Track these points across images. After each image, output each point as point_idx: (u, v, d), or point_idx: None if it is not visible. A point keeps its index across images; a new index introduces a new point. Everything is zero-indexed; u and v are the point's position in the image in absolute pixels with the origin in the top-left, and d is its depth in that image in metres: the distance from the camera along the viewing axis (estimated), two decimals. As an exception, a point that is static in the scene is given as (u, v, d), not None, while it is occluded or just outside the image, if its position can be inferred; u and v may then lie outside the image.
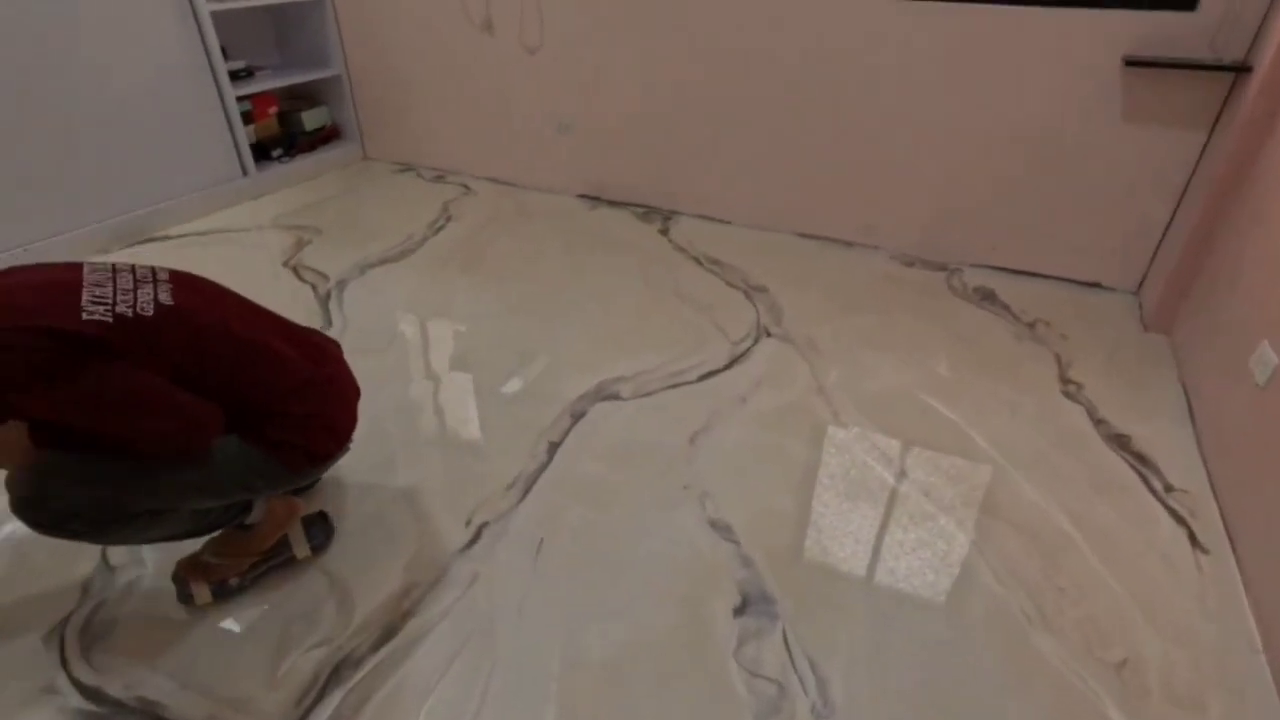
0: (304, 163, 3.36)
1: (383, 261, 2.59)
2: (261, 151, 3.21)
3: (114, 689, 1.16)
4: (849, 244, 2.74)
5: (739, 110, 2.71)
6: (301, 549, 1.37)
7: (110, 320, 1.02)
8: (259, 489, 1.23)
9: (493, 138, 3.28)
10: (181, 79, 2.79)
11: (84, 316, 1.00)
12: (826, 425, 1.77)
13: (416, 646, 1.23)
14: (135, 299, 1.07)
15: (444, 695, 1.16)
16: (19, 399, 0.97)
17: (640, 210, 3.05)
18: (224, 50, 2.92)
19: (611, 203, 3.12)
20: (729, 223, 2.92)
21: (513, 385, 1.93)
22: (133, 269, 1.14)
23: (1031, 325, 2.21)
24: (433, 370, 2.00)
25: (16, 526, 1.45)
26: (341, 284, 2.43)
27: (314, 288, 2.40)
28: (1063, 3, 2.11)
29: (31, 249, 2.44)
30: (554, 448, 1.70)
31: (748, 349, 2.09)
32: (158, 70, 2.71)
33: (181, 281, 1.17)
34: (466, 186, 3.30)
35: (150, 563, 1.38)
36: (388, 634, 1.26)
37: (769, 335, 2.16)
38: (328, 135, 3.54)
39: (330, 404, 1.29)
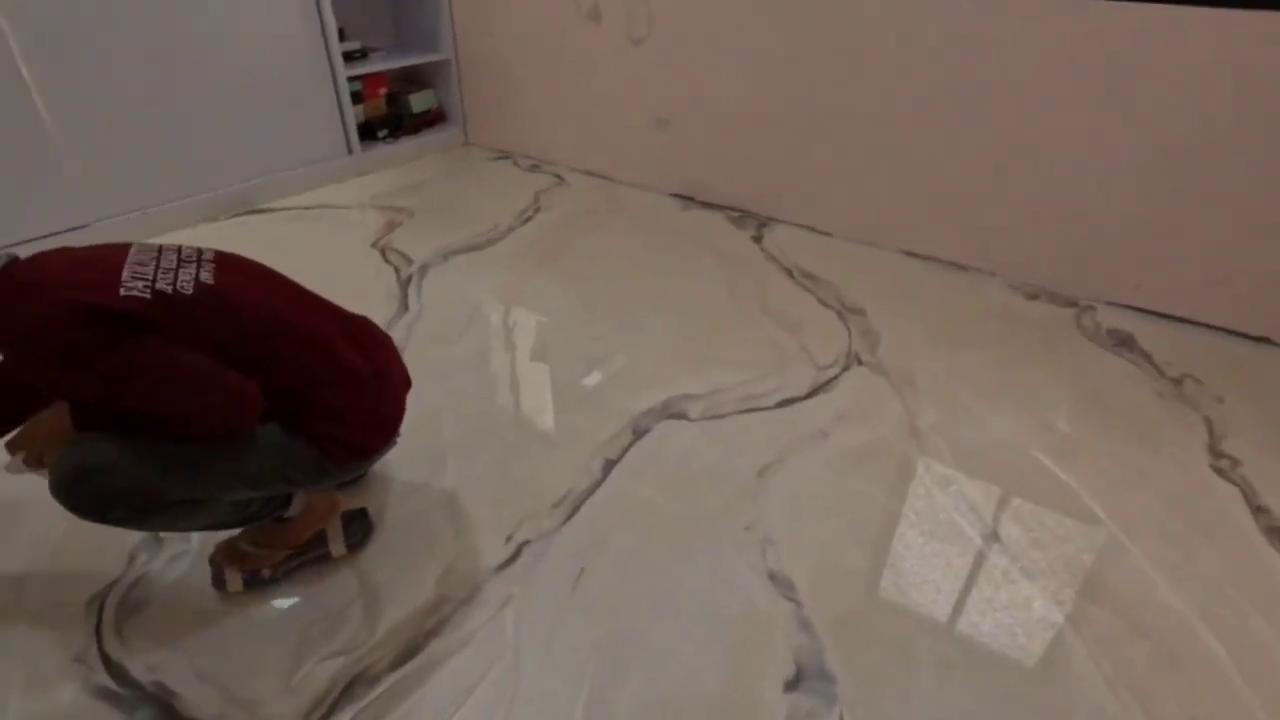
0: (407, 145, 3.40)
1: (468, 249, 2.56)
2: (367, 131, 3.27)
3: (136, 669, 1.15)
4: (962, 267, 2.47)
5: (850, 114, 2.49)
6: (337, 546, 1.33)
7: (149, 297, 0.99)
8: (298, 482, 1.18)
9: (590, 129, 3.20)
10: (299, 56, 2.87)
11: (122, 293, 0.98)
12: (916, 475, 1.56)
13: (435, 670, 1.15)
14: (176, 277, 1.04)
15: (456, 731, 1.07)
16: (59, 375, 0.95)
17: (735, 214, 2.88)
18: (341, 31, 2.99)
19: (705, 204, 2.97)
20: (829, 234, 2.71)
21: (576, 392, 1.83)
22: (178, 249, 1.11)
23: (1178, 381, 1.89)
24: (499, 368, 1.93)
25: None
26: (424, 269, 2.41)
27: (397, 271, 2.40)
28: (1236, 2, 1.77)
29: (148, 213, 2.58)
30: (610, 465, 1.58)
31: (834, 377, 1.89)
32: (277, 46, 2.79)
33: (226, 263, 1.14)
34: (560, 177, 3.24)
35: (195, 539, 1.38)
36: (409, 652, 1.18)
37: (860, 364, 1.95)
38: (432, 119, 3.58)
39: (378, 397, 1.23)
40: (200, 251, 1.13)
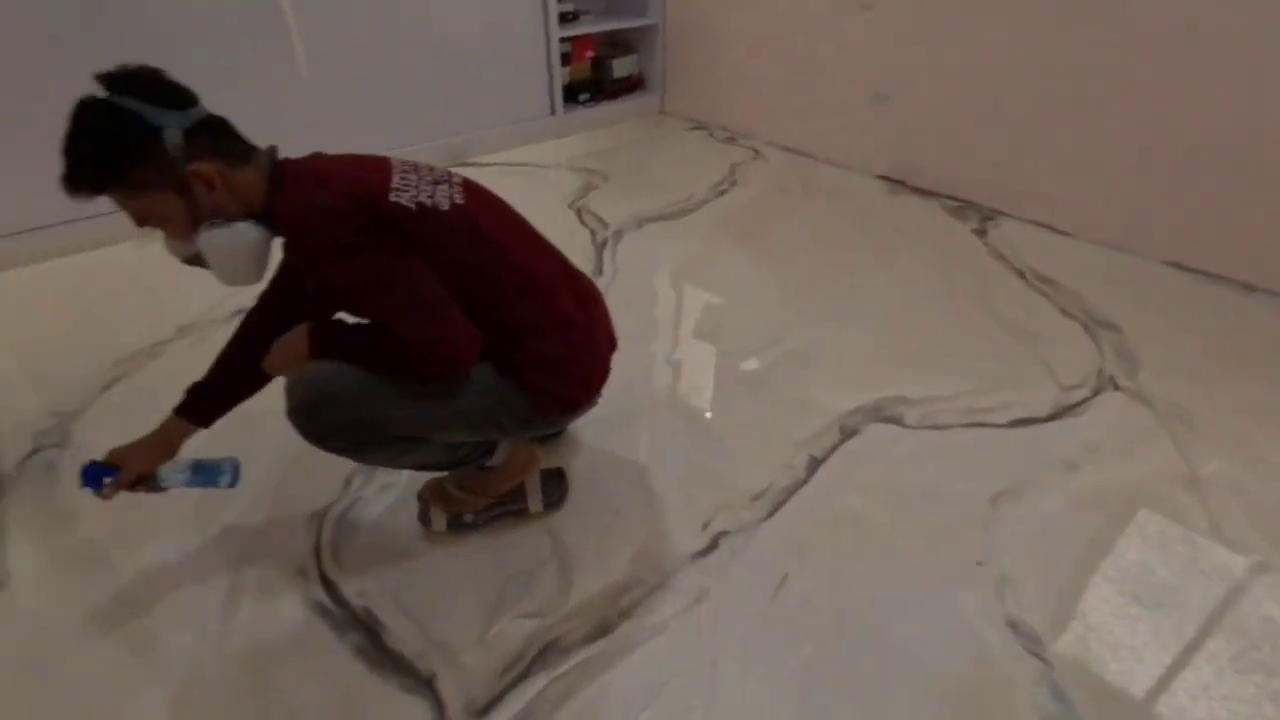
0: (606, 109, 3.39)
1: (661, 217, 2.49)
2: (569, 93, 3.29)
3: (349, 591, 1.19)
4: (1248, 287, 2.03)
5: (1117, 94, 2.11)
6: (535, 503, 1.30)
7: (413, 208, 0.99)
8: (507, 428, 1.15)
9: (795, 102, 3.01)
10: (517, 16, 2.93)
11: (391, 198, 0.98)
12: (1199, 540, 1.28)
13: (627, 655, 1.08)
14: (434, 193, 1.03)
15: (648, 727, 0.99)
16: (322, 266, 0.97)
17: (953, 204, 2.58)
18: (557, -9, 3.01)
19: (918, 190, 2.69)
20: (1070, 235, 2.34)
21: (775, 379, 1.70)
22: (432, 168, 1.11)
23: None
24: (691, 343, 1.84)
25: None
26: (619, 234, 2.37)
27: (593, 233, 2.38)
28: None
29: (373, 159, 2.75)
30: (815, 464, 1.44)
31: (1083, 400, 1.61)
32: (495, 5, 2.86)
33: (472, 189, 1.12)
34: (757, 151, 3.09)
35: (404, 475, 1.41)
36: (601, 629, 1.12)
37: (1116, 388, 1.65)
38: (632, 85, 3.54)
39: (588, 352, 1.17)
40: (450, 174, 1.12)
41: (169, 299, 1.99)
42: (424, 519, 1.28)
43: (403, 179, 1.03)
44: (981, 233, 2.38)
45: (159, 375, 1.70)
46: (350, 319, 1.08)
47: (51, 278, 2.13)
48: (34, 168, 2.09)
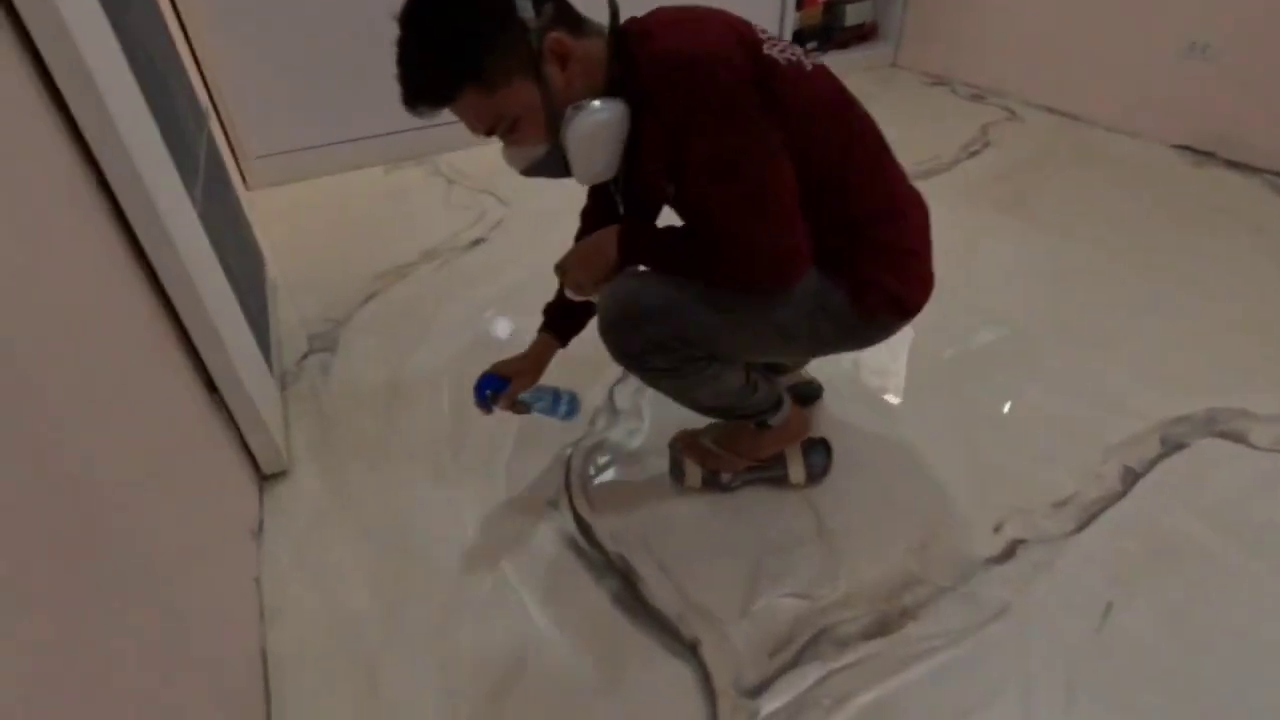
0: (833, 58, 3.10)
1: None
2: (796, 39, 3.06)
3: (600, 533, 1.13)
4: None
5: None
6: (797, 472, 1.17)
7: (783, 63, 0.85)
8: (826, 340, 0.99)
9: (1064, 56, 2.57)
10: (758, -48, 2.73)
11: (765, 50, 0.85)
12: None
13: (917, 663, 0.94)
14: (794, 52, 0.89)
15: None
16: (694, 129, 0.82)
17: (1282, 181, 2.09)
18: (801, -73, 2.77)
19: (1232, 163, 2.21)
20: None
21: (1065, 368, 1.43)
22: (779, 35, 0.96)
23: None
24: (959, 315, 1.60)
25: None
26: (857, 191, 2.15)
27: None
28: None
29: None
30: (1132, 477, 1.19)
31: None
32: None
33: (817, 65, 0.94)
34: (1011, 111, 2.69)
35: (649, 420, 1.34)
36: (880, 626, 0.98)
37: None
38: (864, 34, 3.24)
39: (925, 252, 0.99)
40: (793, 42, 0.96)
41: (412, 224, 2.07)
42: (676, 473, 1.20)
43: (763, 33, 0.88)
44: (1328, 220, 1.90)
45: (409, 294, 1.75)
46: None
47: (313, 195, 2.28)
48: (300, 92, 2.25)
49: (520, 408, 1.13)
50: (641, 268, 0.96)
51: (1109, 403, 1.34)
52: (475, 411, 1.11)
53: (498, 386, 1.10)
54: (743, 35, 0.85)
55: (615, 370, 1.46)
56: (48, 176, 0.76)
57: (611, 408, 1.38)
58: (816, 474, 1.18)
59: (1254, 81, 2.13)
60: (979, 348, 1.51)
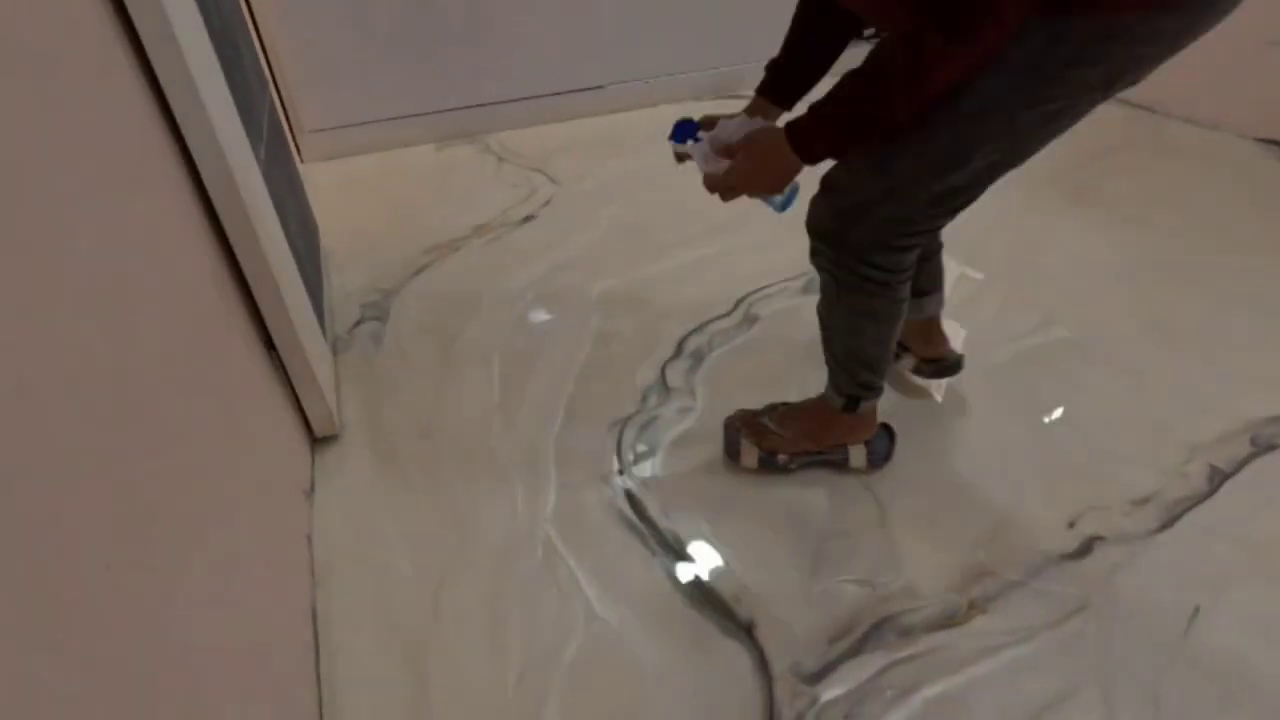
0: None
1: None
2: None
3: (653, 509, 1.10)
4: None
5: None
6: (858, 457, 1.13)
7: None
8: (1086, 83, 0.75)
9: (1149, 43, 2.45)
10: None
11: None
12: None
13: (988, 658, 0.89)
14: None
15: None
16: None
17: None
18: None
19: (1325, 158, 2.08)
20: None
21: (1144, 360, 1.36)
22: None
23: None
24: (1025, 304, 1.53)
25: (610, 321, 1.53)
26: (917, 178, 2.08)
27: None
28: None
29: (651, 83, 2.67)
30: (1219, 477, 1.12)
31: None
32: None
33: None
34: (1080, 102, 2.58)
35: (701, 399, 1.31)
36: (946, 618, 0.94)
37: None
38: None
39: None
40: None
41: (463, 200, 2.06)
42: (732, 452, 1.16)
43: None
44: None
45: (460, 267, 1.74)
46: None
47: (366, 170, 2.30)
48: (354, 69, 2.27)
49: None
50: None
51: (1193, 401, 1.26)
52: (525, 385, 1.09)
53: (692, 129, 1.01)
54: None
55: (668, 349, 1.44)
56: (128, 129, 0.75)
57: (664, 385, 1.35)
58: (878, 460, 1.14)
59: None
60: (1051, 341, 1.44)
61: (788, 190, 0.94)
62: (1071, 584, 0.97)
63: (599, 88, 2.61)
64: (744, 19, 2.73)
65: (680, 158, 1.07)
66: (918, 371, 1.29)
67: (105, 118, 0.70)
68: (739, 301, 1.57)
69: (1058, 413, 1.26)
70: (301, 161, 2.30)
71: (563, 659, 0.91)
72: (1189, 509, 1.07)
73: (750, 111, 1.05)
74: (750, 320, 1.52)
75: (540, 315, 1.56)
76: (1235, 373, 1.32)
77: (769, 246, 1.76)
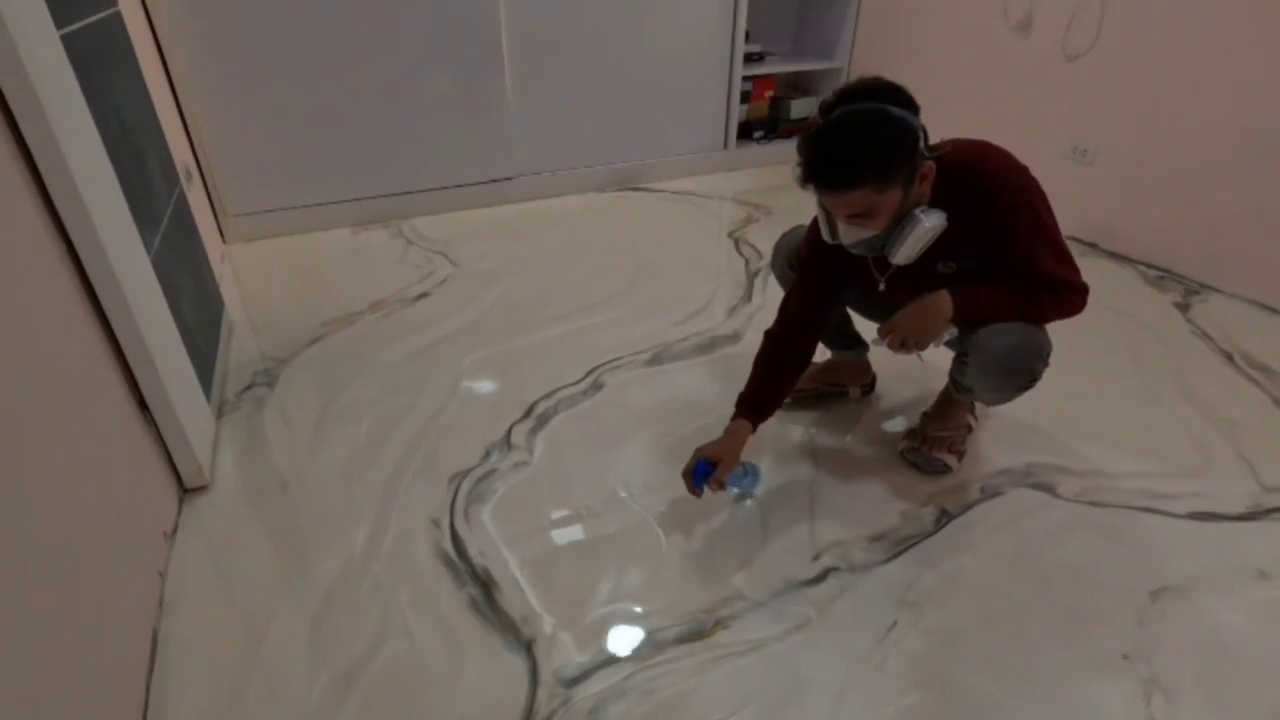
0: (777, 147, 3.44)
1: (818, 254, 2.47)
2: (744, 130, 3.38)
3: (472, 549, 1.29)
4: None
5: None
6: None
7: None
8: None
9: (981, 153, 2.87)
10: (705, 54, 3.07)
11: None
12: None
13: (712, 668, 1.08)
14: None
15: (727, 737, 0.98)
16: (1023, 215, 1.19)
17: (1153, 273, 2.32)
18: (747, 33, 3.11)
19: (1112, 254, 2.45)
20: (1300, 321, 2.03)
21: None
22: None
23: None
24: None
25: (473, 386, 1.74)
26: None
27: (747, 262, 2.42)
28: None
29: (556, 175, 2.99)
30: (945, 518, 1.36)
31: (1290, 506, 1.38)
32: (689, 42, 3.02)
33: None
34: (930, 200, 2.97)
35: (538, 455, 1.52)
36: (693, 633, 1.13)
37: (1338, 500, 1.39)
38: (808, 127, 3.56)
39: None
40: None
41: (367, 279, 2.29)
42: (937, 468, 1.46)
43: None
44: (1184, 307, 2.12)
45: (350, 339, 1.96)
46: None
47: (285, 251, 2.52)
48: (277, 159, 2.52)
49: (718, 488, 1.30)
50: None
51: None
52: (385, 443, 1.30)
53: (708, 472, 1.28)
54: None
55: (518, 411, 1.65)
56: (14, 228, 0.96)
57: (507, 443, 1.55)
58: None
59: (1124, 184, 2.40)
60: (838, 401, 1.70)
61: (751, 477, 1.39)
62: (804, 606, 1.18)
63: (507, 179, 2.91)
64: (644, 118, 3.10)
65: (714, 488, 1.32)
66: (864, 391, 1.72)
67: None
68: (590, 371, 1.81)
69: (833, 464, 1.50)
70: (225, 242, 2.52)
71: (368, 669, 1.07)
72: (915, 544, 1.30)
73: (734, 436, 1.32)
74: (596, 388, 1.75)
75: (413, 382, 1.77)
76: (982, 431, 1.58)
77: (627, 323, 2.02)
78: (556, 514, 1.37)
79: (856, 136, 1.08)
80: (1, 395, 0.83)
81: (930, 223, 1.15)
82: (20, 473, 0.83)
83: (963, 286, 1.23)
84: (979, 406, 1.55)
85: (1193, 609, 1.17)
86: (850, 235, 1.19)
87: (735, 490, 1.39)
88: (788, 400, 1.43)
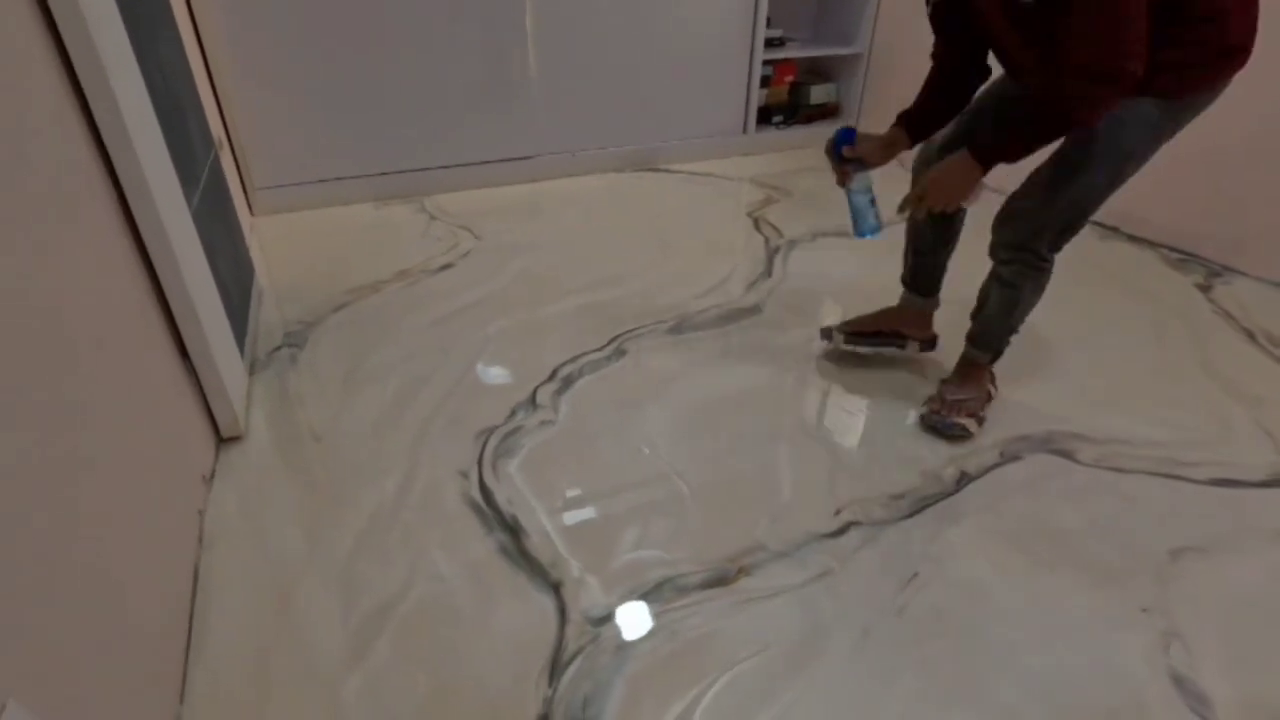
0: (796, 133, 3.45)
1: (838, 233, 2.48)
2: (763, 115, 3.39)
3: (500, 498, 1.32)
4: None
5: None
6: (994, 391, 1.55)
7: None
8: (1165, 136, 1.25)
9: (1002, 137, 2.86)
10: (728, 37, 3.08)
11: None
12: None
13: (739, 611, 1.11)
14: None
15: (743, 682, 1.00)
16: None
17: (1175, 256, 2.32)
18: (768, 18, 3.12)
19: (1133, 238, 2.45)
20: (1323, 303, 2.02)
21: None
22: None
23: None
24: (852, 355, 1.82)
25: (499, 352, 1.77)
26: (792, 243, 2.41)
27: (766, 240, 2.43)
28: None
29: (576, 156, 3.02)
30: (965, 480, 1.37)
31: (1311, 475, 1.39)
32: (711, 26, 3.03)
33: None
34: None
35: (562, 415, 1.54)
36: (717, 580, 1.16)
37: (1359, 470, 1.40)
38: (827, 112, 3.57)
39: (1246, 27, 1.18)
40: None
41: (391, 251, 2.33)
42: (958, 434, 1.47)
43: None
44: (1206, 288, 2.12)
45: (376, 305, 1.99)
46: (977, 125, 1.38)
47: (310, 223, 2.56)
48: (305, 134, 2.56)
49: (849, 178, 1.50)
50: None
51: None
52: (412, 401, 1.33)
53: (851, 137, 1.47)
54: None
55: (542, 374, 1.68)
56: (70, 168, 1.00)
57: (532, 403, 1.58)
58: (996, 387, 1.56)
59: (1148, 166, 2.39)
60: (861, 362, 1.71)
61: (875, 220, 1.54)
62: (827, 557, 1.20)
63: (528, 158, 2.94)
64: (664, 100, 3.12)
65: (841, 167, 1.52)
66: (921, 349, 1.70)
67: (49, 160, 0.94)
68: (612, 339, 1.83)
69: (854, 425, 1.52)
70: (252, 214, 2.57)
71: (399, 608, 1.11)
72: (936, 502, 1.32)
73: (888, 136, 1.48)
74: (620, 354, 1.78)
75: (438, 346, 1.80)
76: (1009, 401, 1.59)
77: (648, 295, 2.04)
78: (582, 468, 1.40)
79: None
80: (57, 332, 0.86)
81: None
82: (74, 405, 0.86)
83: (993, 118, 1.35)
84: (1000, 379, 1.56)
85: (1212, 567, 1.18)
86: None
87: (855, 202, 1.53)
88: (867, 338, 1.66)
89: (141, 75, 1.23)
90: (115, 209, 1.12)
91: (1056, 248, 1.35)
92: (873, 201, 1.52)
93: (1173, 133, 1.25)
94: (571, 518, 1.28)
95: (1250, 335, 1.87)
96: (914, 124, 1.46)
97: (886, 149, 1.47)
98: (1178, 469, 1.40)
